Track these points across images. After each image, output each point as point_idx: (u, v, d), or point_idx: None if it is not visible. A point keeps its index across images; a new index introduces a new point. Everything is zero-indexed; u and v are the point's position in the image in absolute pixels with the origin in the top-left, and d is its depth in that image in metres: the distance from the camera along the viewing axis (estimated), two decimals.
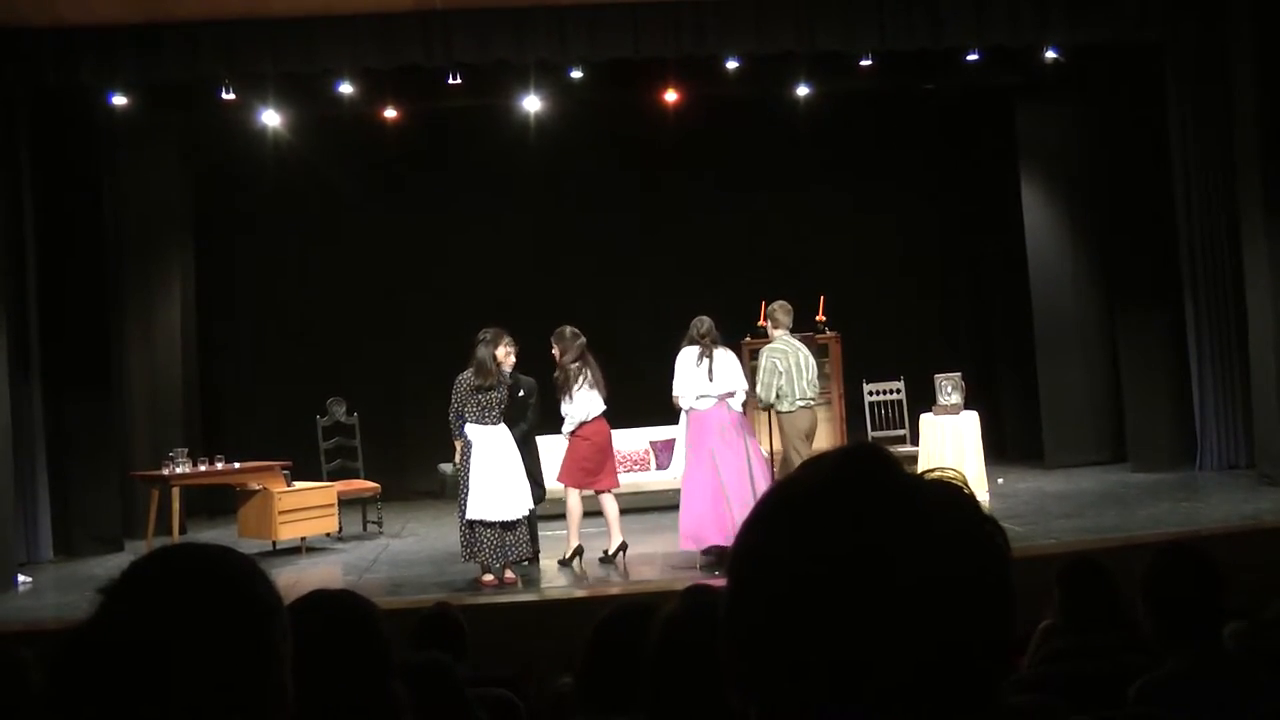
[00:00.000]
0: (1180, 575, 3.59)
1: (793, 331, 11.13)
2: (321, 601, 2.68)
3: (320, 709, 2.46)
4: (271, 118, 13.86)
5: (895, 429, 14.71)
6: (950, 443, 12.73)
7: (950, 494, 1.13)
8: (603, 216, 16.22)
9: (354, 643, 2.54)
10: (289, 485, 12.08)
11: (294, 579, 10.46)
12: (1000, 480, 13.60)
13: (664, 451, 13.82)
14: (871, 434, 14.61)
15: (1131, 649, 4.14)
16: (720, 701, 1.14)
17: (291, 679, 1.43)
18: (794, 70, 13.71)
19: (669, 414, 14.28)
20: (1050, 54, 13.37)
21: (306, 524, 11.96)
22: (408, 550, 11.93)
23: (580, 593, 9.59)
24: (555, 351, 11.00)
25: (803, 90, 14.24)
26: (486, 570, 9.87)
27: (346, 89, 13.02)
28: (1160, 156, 13.44)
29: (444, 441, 15.77)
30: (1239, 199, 12.58)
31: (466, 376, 10.25)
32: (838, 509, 1.09)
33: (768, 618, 1.08)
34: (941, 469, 1.18)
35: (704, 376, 10.41)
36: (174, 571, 1.42)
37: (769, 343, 11.04)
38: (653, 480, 13.62)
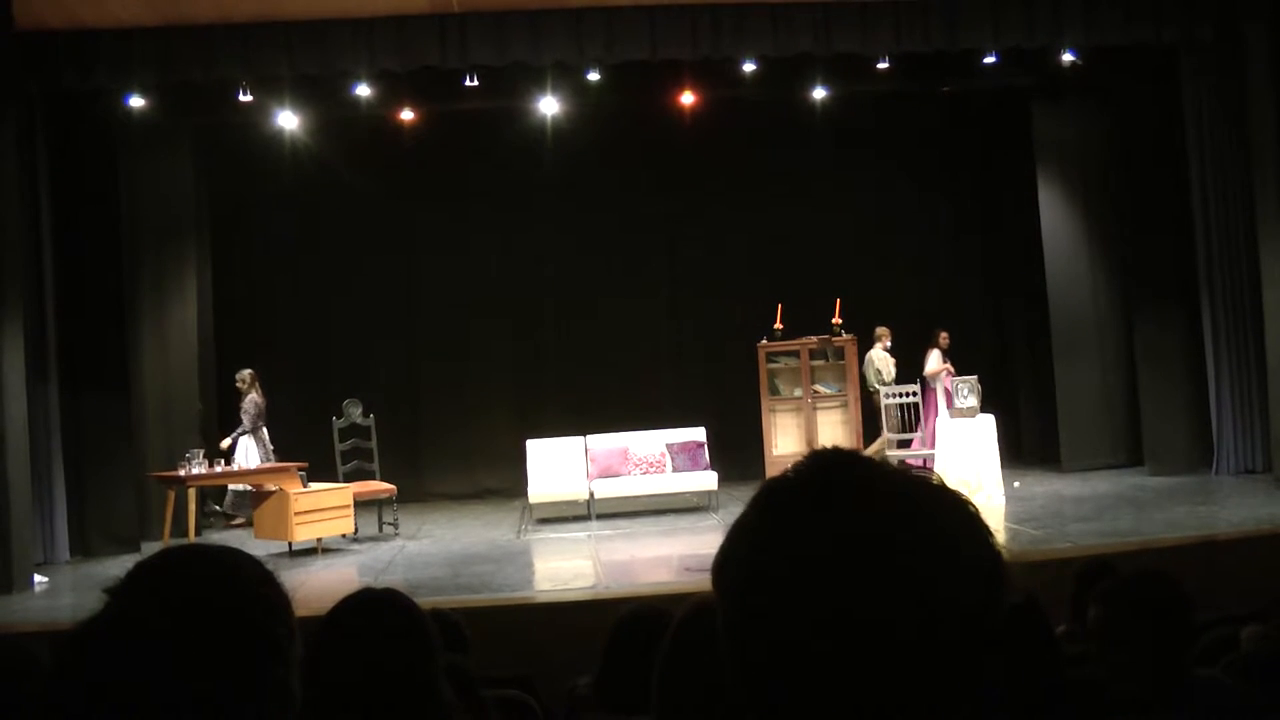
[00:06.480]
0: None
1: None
2: (369, 601, 2.69)
3: (372, 707, 2.46)
4: (288, 120, 13.90)
5: (912, 432, 14.68)
6: (967, 445, 12.71)
7: (926, 487, 1.11)
8: (620, 219, 16.21)
9: (404, 641, 2.55)
10: (305, 486, 12.11)
11: (302, 579, 10.48)
12: (1017, 483, 13.56)
13: (680, 454, 13.80)
14: (888, 435, 14.58)
15: None
16: (728, 707, 1.12)
17: (299, 681, 1.43)
18: (811, 72, 13.69)
19: (684, 417, 14.37)
20: (1067, 55, 13.33)
21: (322, 525, 11.97)
22: (424, 552, 11.93)
23: (587, 595, 9.57)
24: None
25: (819, 92, 14.22)
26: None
27: (363, 91, 13.05)
28: (1177, 158, 13.40)
29: (458, 443, 15.92)
30: (1256, 200, 12.53)
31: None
32: (813, 515, 1.07)
33: (756, 629, 1.06)
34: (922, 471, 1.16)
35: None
36: (179, 572, 1.42)
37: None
38: (669, 483, 13.57)
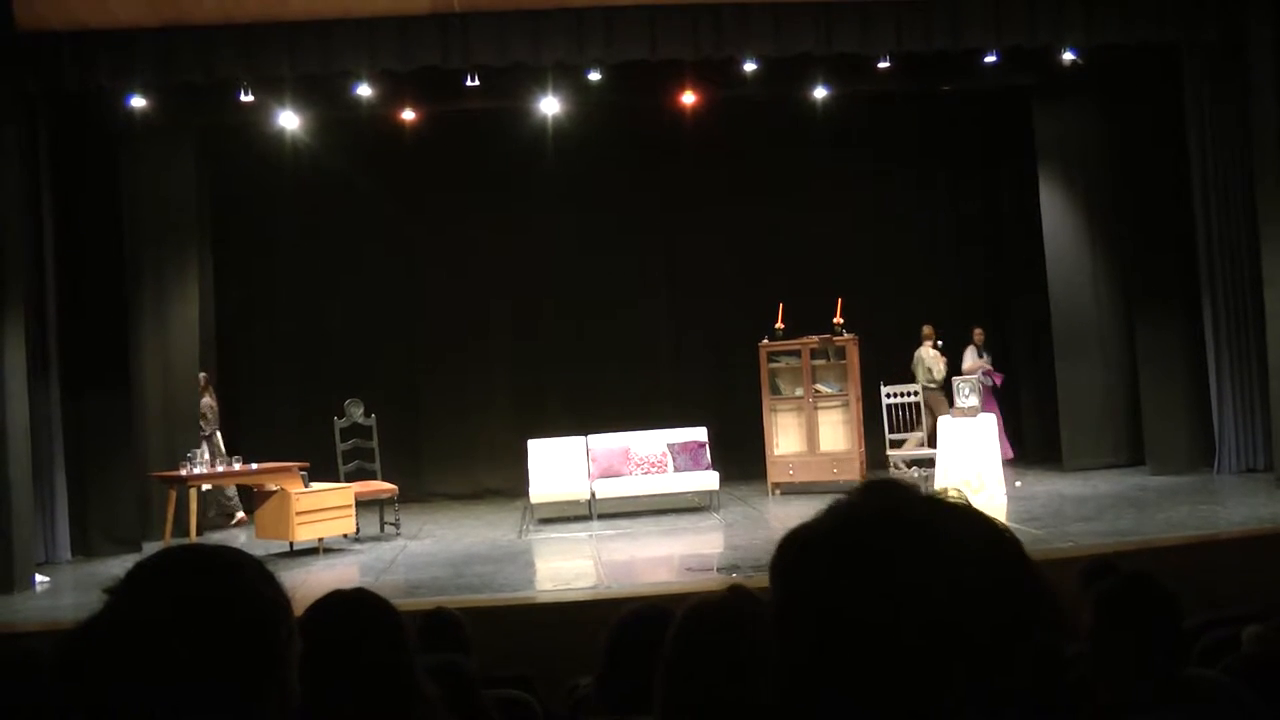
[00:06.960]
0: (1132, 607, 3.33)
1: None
2: (339, 602, 2.69)
3: (349, 708, 2.47)
4: (289, 120, 13.90)
5: (913, 431, 14.67)
6: (968, 445, 12.70)
7: (966, 513, 1.12)
8: (620, 219, 16.21)
9: (376, 640, 2.55)
10: (306, 486, 12.11)
11: (302, 578, 10.48)
12: (1019, 483, 13.56)
13: (681, 454, 13.79)
14: (889, 436, 14.58)
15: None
16: (729, 704, 1.13)
17: (298, 680, 1.43)
18: (811, 72, 13.70)
19: (685, 417, 14.37)
20: (1068, 54, 13.33)
21: (324, 525, 11.97)
22: (425, 552, 11.93)
23: (588, 595, 9.57)
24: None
25: (820, 92, 14.23)
26: None
27: (364, 91, 13.05)
28: (1179, 157, 13.39)
29: (459, 443, 15.93)
30: (1258, 199, 12.52)
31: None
32: (865, 549, 1.08)
33: (812, 657, 1.07)
34: (946, 489, 1.17)
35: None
36: (179, 572, 1.42)
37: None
38: (671, 483, 13.56)
